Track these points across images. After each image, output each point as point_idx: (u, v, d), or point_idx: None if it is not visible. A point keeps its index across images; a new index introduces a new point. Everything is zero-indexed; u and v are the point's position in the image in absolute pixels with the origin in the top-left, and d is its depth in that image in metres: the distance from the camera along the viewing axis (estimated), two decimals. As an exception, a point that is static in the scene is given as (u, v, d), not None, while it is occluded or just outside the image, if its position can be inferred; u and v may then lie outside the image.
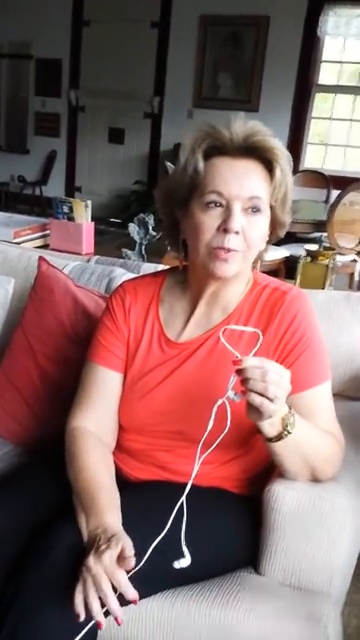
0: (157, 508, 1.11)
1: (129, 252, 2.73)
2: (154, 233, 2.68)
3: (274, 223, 1.30)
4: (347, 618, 1.84)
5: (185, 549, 1.07)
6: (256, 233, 1.24)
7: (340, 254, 3.76)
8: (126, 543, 1.06)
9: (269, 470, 1.36)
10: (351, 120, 6.57)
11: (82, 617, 1.03)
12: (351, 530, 1.26)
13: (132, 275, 1.85)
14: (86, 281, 1.89)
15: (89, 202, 2.81)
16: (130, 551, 1.05)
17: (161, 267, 1.85)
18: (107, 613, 1.04)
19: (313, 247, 2.93)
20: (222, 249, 1.21)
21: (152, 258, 2.60)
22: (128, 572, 1.05)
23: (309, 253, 2.84)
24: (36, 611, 1.08)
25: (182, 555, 1.07)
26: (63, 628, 1.06)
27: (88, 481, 1.23)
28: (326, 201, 5.13)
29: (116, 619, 1.03)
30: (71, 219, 2.78)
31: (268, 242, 1.33)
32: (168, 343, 1.36)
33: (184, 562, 1.07)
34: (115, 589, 1.03)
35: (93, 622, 1.04)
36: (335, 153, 6.72)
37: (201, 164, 1.22)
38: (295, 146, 6.35)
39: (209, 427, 1.09)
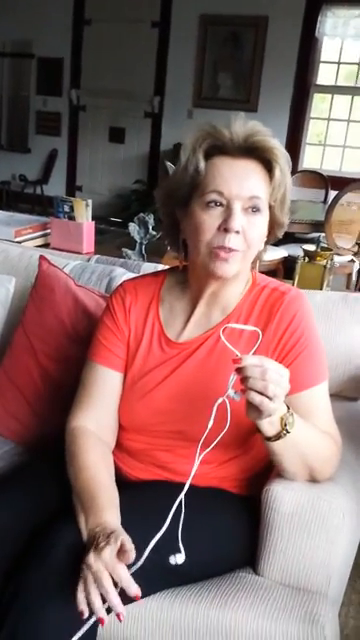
0: (157, 508, 1.11)
1: (129, 252, 2.73)
2: (154, 233, 2.68)
3: (272, 223, 1.31)
4: (345, 619, 1.85)
5: (181, 545, 1.07)
6: (256, 233, 1.24)
7: (338, 254, 3.77)
8: (125, 538, 1.07)
9: (268, 470, 1.36)
10: (349, 121, 6.57)
11: (86, 614, 1.03)
12: (348, 531, 1.26)
13: (132, 275, 1.85)
14: (86, 280, 1.89)
15: (90, 201, 2.82)
16: (130, 545, 1.05)
17: (161, 267, 1.85)
18: (109, 610, 1.04)
19: (311, 247, 2.93)
20: (223, 249, 1.22)
21: (152, 258, 2.61)
22: (129, 567, 1.05)
23: (307, 253, 2.84)
24: (36, 610, 1.08)
25: (178, 551, 1.07)
26: (63, 627, 1.07)
27: (88, 480, 1.24)
28: (324, 201, 5.12)
29: (118, 615, 1.03)
30: (72, 218, 2.79)
31: (266, 242, 1.33)
32: (168, 343, 1.37)
33: (180, 558, 1.08)
34: (116, 585, 1.04)
35: (94, 619, 1.05)
36: (333, 153, 6.72)
37: (202, 164, 1.23)
38: (293, 146, 6.36)
39: (209, 425, 1.09)
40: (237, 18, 6.51)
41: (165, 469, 1.36)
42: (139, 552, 1.06)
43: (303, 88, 6.51)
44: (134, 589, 1.04)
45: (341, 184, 4.39)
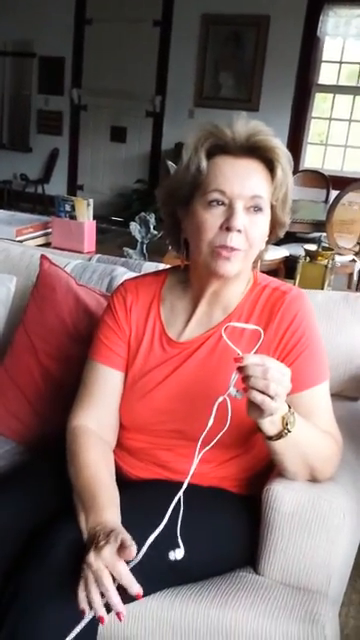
0: (157, 506, 1.11)
1: (130, 251, 2.73)
2: (155, 232, 2.68)
3: (274, 223, 1.31)
4: (345, 618, 1.85)
5: (180, 540, 1.07)
6: (257, 232, 1.24)
7: (339, 254, 3.76)
8: (125, 535, 1.07)
9: (268, 470, 1.36)
10: (350, 120, 6.56)
11: (87, 612, 1.03)
12: (349, 530, 1.26)
13: (133, 274, 1.85)
14: (87, 279, 1.89)
15: (91, 200, 2.82)
16: (131, 541, 1.05)
17: (162, 266, 1.85)
18: (110, 609, 1.04)
19: (312, 247, 2.93)
20: (225, 248, 1.22)
21: (153, 257, 2.61)
22: (128, 563, 1.05)
23: (308, 253, 2.84)
24: (36, 610, 1.08)
25: (177, 547, 1.07)
26: (63, 627, 1.06)
27: (89, 479, 1.24)
28: (325, 201, 5.12)
29: (118, 615, 1.03)
30: (73, 217, 2.79)
31: (267, 242, 1.33)
32: (169, 342, 1.37)
33: (179, 553, 1.08)
34: (118, 586, 1.04)
35: (91, 617, 1.04)
36: (335, 153, 6.72)
37: (204, 163, 1.23)
38: (295, 146, 6.35)
39: (210, 423, 1.09)
40: (239, 17, 6.51)
41: (165, 468, 1.36)
42: (138, 550, 1.06)
43: (305, 88, 6.50)
44: (136, 588, 1.04)
45: (342, 184, 4.40)
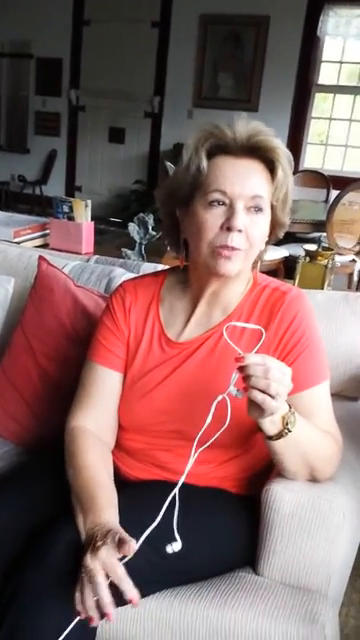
0: (155, 507, 1.11)
1: (129, 252, 2.73)
2: (154, 233, 2.68)
3: (274, 223, 1.30)
4: (345, 618, 1.85)
5: (176, 534, 1.07)
6: (258, 232, 1.24)
7: (339, 254, 3.76)
8: (123, 534, 1.06)
9: (268, 470, 1.36)
10: (350, 120, 6.57)
11: (83, 615, 1.03)
12: (349, 530, 1.26)
13: (132, 275, 1.85)
14: (86, 280, 1.89)
15: (89, 201, 2.82)
16: (129, 537, 1.04)
17: (161, 267, 1.85)
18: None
19: (312, 247, 2.93)
20: (225, 247, 1.21)
21: (152, 258, 2.60)
22: (123, 557, 1.04)
23: (308, 253, 2.83)
24: (35, 610, 1.08)
25: (175, 540, 1.07)
26: (62, 627, 1.06)
27: (87, 480, 1.24)
28: (325, 201, 5.13)
29: (107, 615, 1.01)
30: (71, 218, 2.78)
31: (267, 242, 1.33)
32: (168, 343, 1.36)
33: (176, 546, 1.07)
34: (114, 587, 1.03)
35: (79, 617, 1.04)
36: (335, 153, 6.72)
37: (204, 163, 1.23)
38: (295, 146, 6.35)
39: (208, 421, 1.09)
40: (238, 18, 6.51)
41: (164, 469, 1.36)
42: (136, 552, 1.06)
43: (304, 88, 6.51)
44: (132, 594, 1.03)
45: (342, 184, 4.40)
